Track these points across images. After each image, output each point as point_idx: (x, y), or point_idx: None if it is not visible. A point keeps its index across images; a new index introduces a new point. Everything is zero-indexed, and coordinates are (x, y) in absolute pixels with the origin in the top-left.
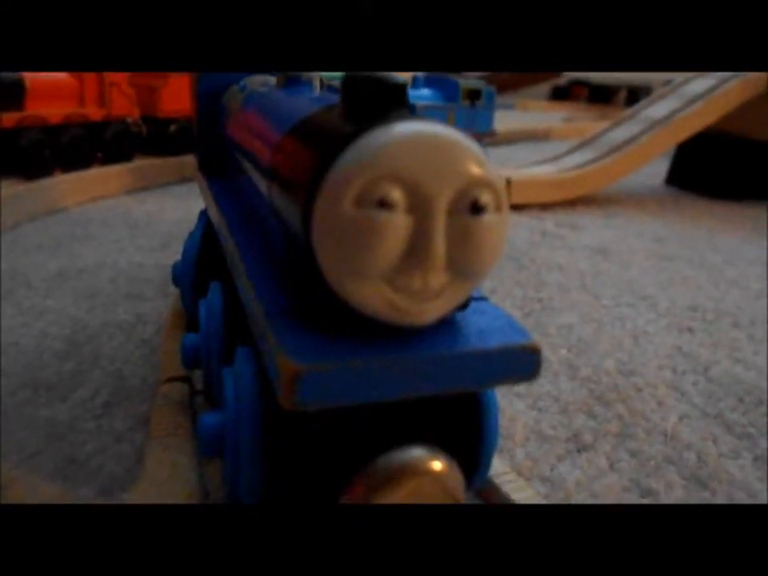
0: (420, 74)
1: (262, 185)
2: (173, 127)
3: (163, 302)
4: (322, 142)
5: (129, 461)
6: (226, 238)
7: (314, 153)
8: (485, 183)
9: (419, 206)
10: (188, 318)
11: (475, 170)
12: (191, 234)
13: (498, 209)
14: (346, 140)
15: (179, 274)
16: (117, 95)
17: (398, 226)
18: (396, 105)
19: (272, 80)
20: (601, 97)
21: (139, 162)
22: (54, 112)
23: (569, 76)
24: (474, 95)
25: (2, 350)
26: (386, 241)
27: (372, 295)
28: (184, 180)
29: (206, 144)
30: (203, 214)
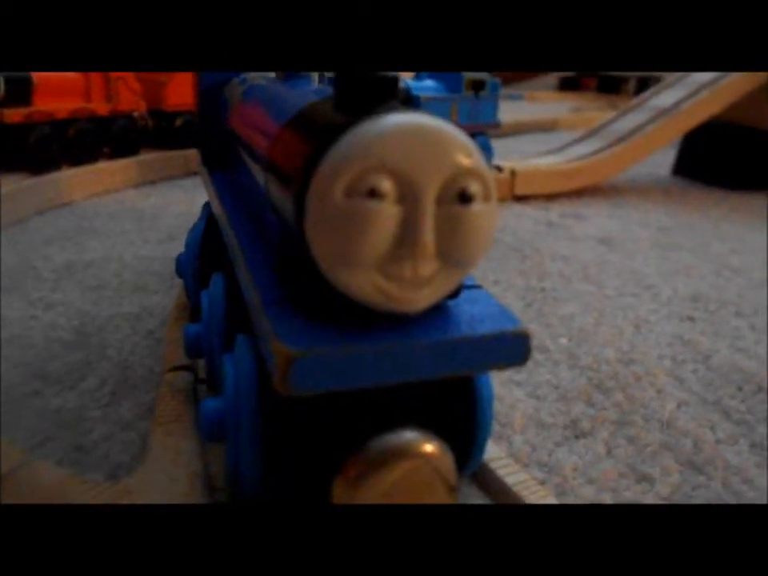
0: None
1: (260, 176)
2: (179, 121)
3: (168, 294)
4: (314, 134)
5: (135, 448)
6: (226, 229)
7: (306, 144)
8: (473, 173)
9: (408, 196)
10: (191, 309)
11: (463, 160)
12: (194, 226)
13: (487, 198)
14: (336, 131)
15: (182, 266)
16: (123, 90)
17: (387, 215)
18: (386, 97)
19: (271, 73)
20: (610, 87)
21: (146, 156)
22: (61, 107)
23: None
24: (477, 86)
25: (12, 342)
26: (376, 230)
27: (364, 283)
28: (190, 173)
29: (208, 137)
30: (206, 207)
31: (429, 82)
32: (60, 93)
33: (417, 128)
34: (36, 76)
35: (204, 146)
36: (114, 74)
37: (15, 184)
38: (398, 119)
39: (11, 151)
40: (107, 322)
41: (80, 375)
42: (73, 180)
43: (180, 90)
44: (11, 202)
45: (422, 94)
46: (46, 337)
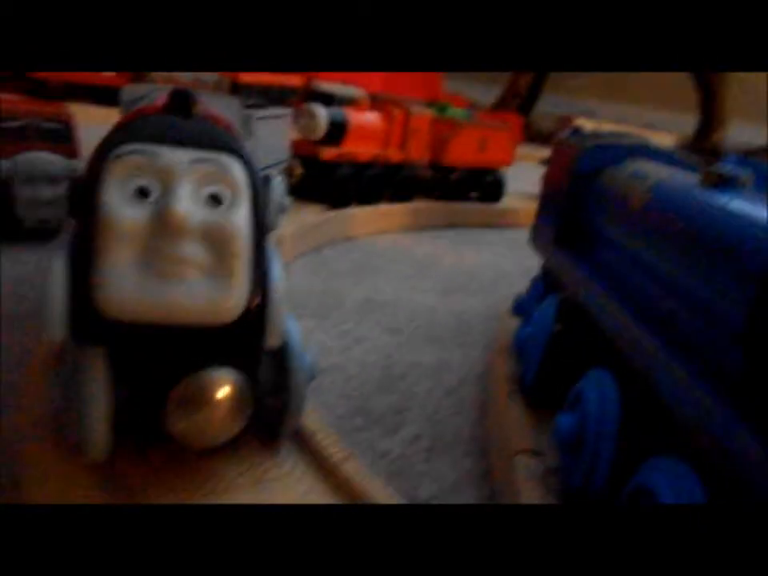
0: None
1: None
2: (454, 175)
3: (459, 351)
4: None
5: None
6: (624, 323)
7: None
8: None
9: None
10: (530, 392)
11: None
12: (541, 307)
13: None
14: None
15: (527, 348)
16: (415, 141)
17: None
18: None
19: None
20: None
21: (417, 204)
22: (364, 150)
23: None
24: None
25: (333, 371)
26: None
27: None
28: (451, 226)
29: (568, 220)
30: (540, 282)
31: None
32: (366, 138)
33: None
34: (351, 120)
35: (561, 226)
36: (411, 126)
37: (318, 216)
38: None
39: (320, 186)
40: (409, 369)
41: (396, 421)
42: (359, 218)
43: (460, 147)
44: (314, 232)
45: None
46: (361, 372)
